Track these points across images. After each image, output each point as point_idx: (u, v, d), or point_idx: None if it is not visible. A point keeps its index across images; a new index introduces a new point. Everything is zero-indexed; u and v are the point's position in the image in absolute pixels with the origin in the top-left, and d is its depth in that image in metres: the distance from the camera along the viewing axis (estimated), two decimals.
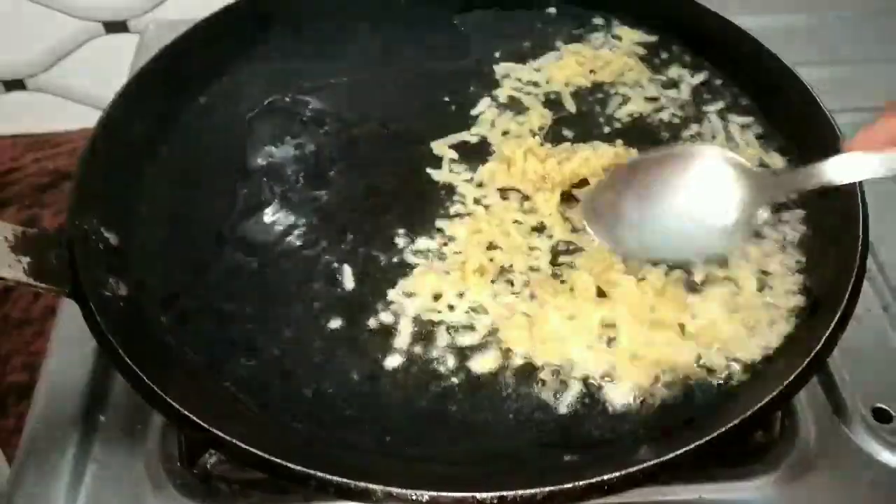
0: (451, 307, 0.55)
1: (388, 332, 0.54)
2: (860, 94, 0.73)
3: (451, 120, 0.67)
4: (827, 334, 0.49)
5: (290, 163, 0.65)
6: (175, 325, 0.55)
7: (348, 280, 0.57)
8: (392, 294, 0.56)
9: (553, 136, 0.66)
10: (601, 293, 0.55)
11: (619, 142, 0.64)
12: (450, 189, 0.62)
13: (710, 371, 0.52)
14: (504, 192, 0.62)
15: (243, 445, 0.46)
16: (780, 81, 0.65)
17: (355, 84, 0.71)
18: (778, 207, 0.60)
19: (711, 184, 0.54)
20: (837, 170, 0.49)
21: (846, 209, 0.56)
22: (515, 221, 0.59)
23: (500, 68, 0.71)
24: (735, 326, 0.53)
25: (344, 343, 0.54)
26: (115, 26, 1.00)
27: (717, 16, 0.71)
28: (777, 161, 0.63)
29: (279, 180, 0.63)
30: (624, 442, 0.49)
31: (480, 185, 0.62)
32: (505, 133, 0.65)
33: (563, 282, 0.56)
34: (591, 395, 0.51)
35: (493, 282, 0.56)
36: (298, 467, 0.45)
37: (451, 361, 0.53)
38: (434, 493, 0.44)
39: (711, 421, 0.48)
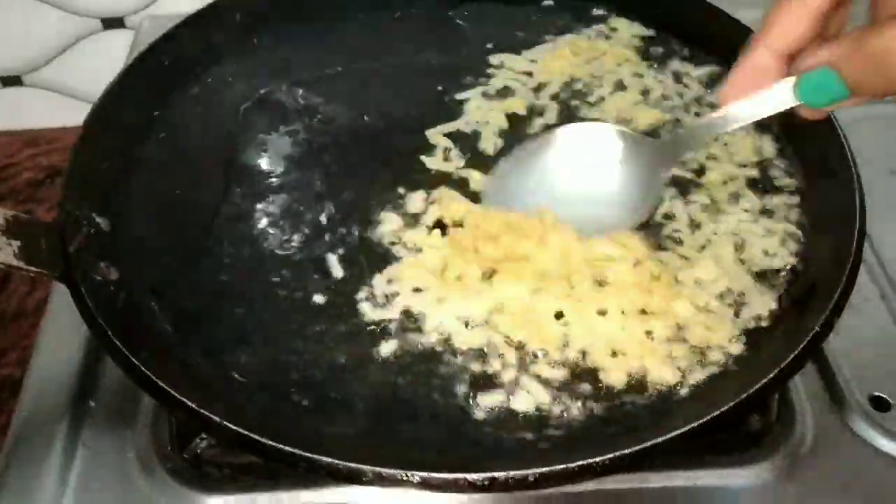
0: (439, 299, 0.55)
1: (376, 319, 0.54)
2: None
3: (446, 110, 0.67)
4: (824, 318, 0.49)
5: (282, 153, 0.64)
6: (165, 309, 0.54)
7: (336, 269, 0.57)
8: (379, 282, 0.56)
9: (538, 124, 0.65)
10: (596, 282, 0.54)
11: None
12: (444, 177, 0.62)
13: (704, 355, 0.52)
14: None
15: (234, 427, 0.45)
16: None
17: (349, 75, 0.70)
18: (773, 187, 0.60)
19: (607, 160, 0.55)
20: (717, 122, 0.50)
21: (842, 195, 0.56)
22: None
23: (495, 59, 0.70)
24: (730, 311, 0.53)
25: (332, 329, 0.54)
26: (113, 22, 0.99)
27: (716, 9, 0.71)
28: (768, 147, 0.63)
29: (271, 170, 0.63)
30: (616, 425, 0.49)
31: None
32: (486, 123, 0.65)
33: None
34: (585, 378, 0.51)
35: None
36: (289, 448, 0.44)
37: (440, 347, 0.53)
38: (425, 475, 0.43)
39: (704, 405, 0.47)
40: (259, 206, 0.61)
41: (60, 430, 0.55)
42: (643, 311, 0.53)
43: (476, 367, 0.52)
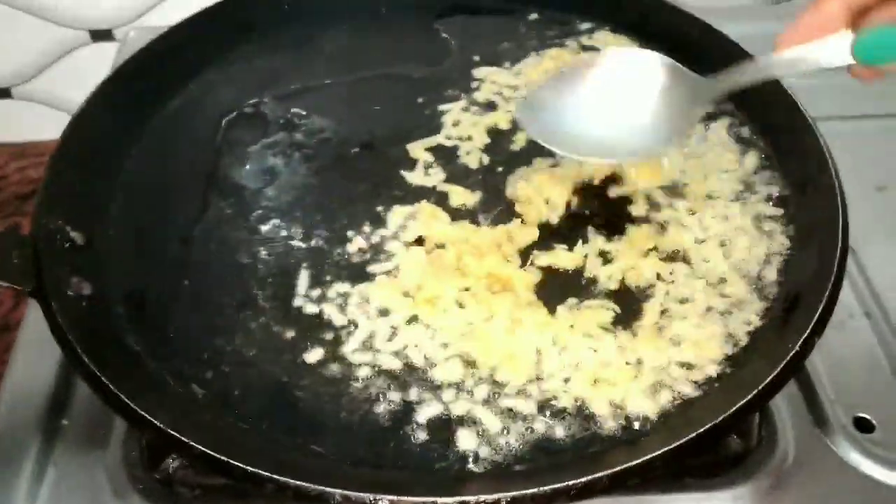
0: (410, 320, 0.54)
1: (352, 345, 0.53)
2: (848, 102, 0.73)
3: (428, 123, 0.66)
4: (805, 336, 0.48)
5: (262, 166, 0.64)
6: (137, 326, 0.54)
7: (312, 286, 0.56)
8: (354, 300, 0.55)
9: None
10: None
11: None
12: (425, 193, 0.61)
13: (685, 372, 0.51)
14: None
15: (203, 448, 0.44)
16: (762, 87, 0.64)
17: (332, 88, 0.70)
18: (756, 203, 0.60)
19: (646, 86, 0.54)
20: (768, 67, 0.49)
21: (826, 209, 0.55)
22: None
23: (479, 72, 0.70)
24: (710, 329, 0.52)
25: (306, 351, 0.53)
26: (101, 35, 0.99)
27: (702, 23, 0.70)
28: (753, 160, 0.63)
29: (251, 184, 0.63)
30: (592, 448, 0.48)
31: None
32: (469, 138, 0.65)
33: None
34: (562, 403, 0.50)
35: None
36: (257, 470, 0.43)
37: (411, 373, 0.52)
38: (393, 497, 0.42)
39: (683, 426, 0.46)
40: (238, 220, 0.60)
41: (31, 448, 0.54)
42: (628, 335, 0.52)
43: (449, 393, 0.50)
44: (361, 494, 0.42)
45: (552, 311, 0.54)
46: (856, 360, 0.58)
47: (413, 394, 0.51)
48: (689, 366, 0.51)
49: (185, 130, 0.66)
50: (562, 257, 0.57)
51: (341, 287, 0.56)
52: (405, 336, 0.53)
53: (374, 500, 0.42)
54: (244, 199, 0.62)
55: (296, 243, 0.59)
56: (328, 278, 0.56)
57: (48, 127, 1.05)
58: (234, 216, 0.61)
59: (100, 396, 0.47)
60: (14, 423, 0.55)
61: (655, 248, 0.57)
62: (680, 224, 0.59)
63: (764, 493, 0.51)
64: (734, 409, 0.45)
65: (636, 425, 0.49)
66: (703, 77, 0.55)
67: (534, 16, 0.76)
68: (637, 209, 0.60)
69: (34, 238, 0.53)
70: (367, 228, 0.59)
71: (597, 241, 0.58)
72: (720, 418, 0.45)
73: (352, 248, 0.58)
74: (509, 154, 0.64)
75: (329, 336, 0.53)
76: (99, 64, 0.98)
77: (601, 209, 0.60)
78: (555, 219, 0.59)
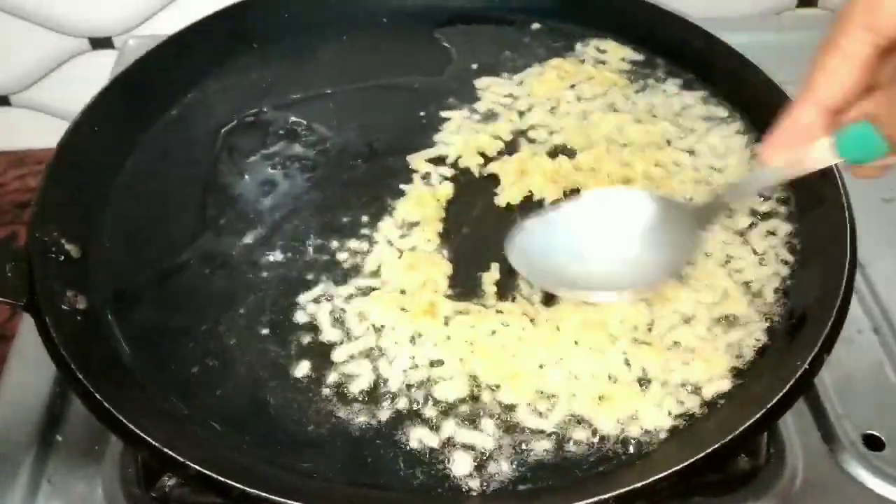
0: (410, 333, 0.53)
1: (346, 356, 0.52)
2: None
3: (429, 134, 0.65)
4: (814, 353, 0.47)
5: (261, 176, 0.63)
6: (133, 342, 0.53)
7: (300, 294, 0.55)
8: (351, 314, 0.54)
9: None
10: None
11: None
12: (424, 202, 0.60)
13: (692, 389, 0.50)
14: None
15: (199, 468, 0.43)
16: (767, 98, 0.64)
17: (331, 98, 0.69)
18: (763, 219, 0.59)
19: (642, 225, 0.53)
20: (756, 181, 0.50)
21: (834, 225, 0.54)
22: None
23: (480, 82, 0.69)
24: (716, 346, 0.51)
25: (299, 364, 0.52)
26: (101, 43, 0.99)
27: (707, 34, 0.70)
28: None
29: (249, 194, 0.62)
30: (598, 467, 0.47)
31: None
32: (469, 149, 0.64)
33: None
34: (567, 421, 0.49)
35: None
36: (255, 491, 0.43)
37: (417, 390, 0.50)
38: None
39: (690, 446, 0.45)
40: (235, 231, 0.59)
41: (24, 465, 0.53)
42: (633, 351, 0.51)
43: (452, 414, 0.49)
44: None
45: (557, 327, 0.52)
46: (865, 376, 0.57)
47: (413, 412, 0.49)
48: (695, 383, 0.50)
49: (183, 141, 0.65)
50: None
51: (338, 299, 0.55)
52: (405, 350, 0.52)
53: None
54: (242, 210, 0.61)
55: (294, 254, 0.58)
56: (326, 289, 0.55)
57: (47, 135, 1.04)
58: (231, 227, 0.60)
59: (95, 415, 0.46)
60: (7, 437, 0.54)
61: None
62: None
63: None
64: (743, 427, 0.44)
65: (642, 443, 0.48)
66: (693, 204, 0.55)
67: (536, 26, 0.75)
68: None
69: (28, 251, 0.53)
70: (365, 239, 0.58)
71: None
72: (729, 437, 0.44)
73: (350, 258, 0.57)
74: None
75: (325, 350, 0.52)
76: (98, 72, 0.97)
77: None
78: None
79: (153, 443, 0.44)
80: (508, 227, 0.57)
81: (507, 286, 0.55)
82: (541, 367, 0.51)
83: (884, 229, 0.65)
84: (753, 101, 0.65)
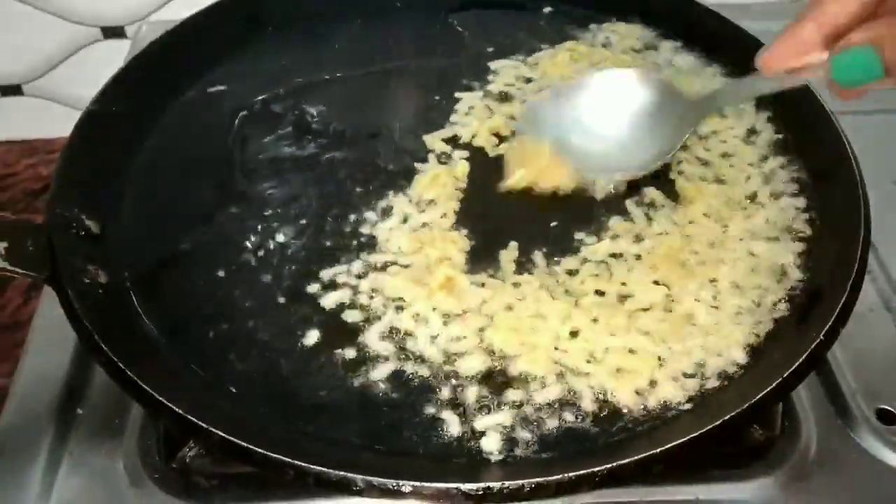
0: (428, 309, 0.53)
1: (359, 328, 0.53)
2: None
3: (444, 115, 0.66)
4: (829, 325, 0.47)
5: (277, 158, 0.64)
6: (153, 314, 0.53)
7: (318, 272, 0.56)
8: (367, 291, 0.54)
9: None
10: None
11: None
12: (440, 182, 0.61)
13: (709, 361, 0.51)
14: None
15: (222, 434, 0.44)
16: None
17: (347, 81, 0.70)
18: (777, 196, 0.59)
19: (645, 105, 0.57)
20: (750, 86, 0.53)
21: (847, 203, 0.55)
22: None
23: (494, 64, 0.70)
24: (733, 319, 0.52)
25: (323, 338, 0.52)
26: (113, 31, 0.99)
27: (720, 17, 0.70)
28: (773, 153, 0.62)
29: (266, 176, 0.62)
30: (615, 436, 0.48)
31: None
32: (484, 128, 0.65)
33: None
34: (582, 392, 0.49)
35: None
36: (277, 456, 0.43)
37: (437, 363, 0.51)
38: (417, 483, 0.42)
39: (705, 415, 0.46)
40: (251, 210, 0.60)
41: (46, 439, 0.53)
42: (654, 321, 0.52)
43: (473, 386, 0.50)
44: (384, 480, 0.42)
45: (576, 302, 0.53)
46: (877, 352, 0.57)
47: (433, 383, 0.50)
48: (713, 355, 0.51)
49: (198, 122, 0.66)
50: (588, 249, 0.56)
51: (355, 274, 0.55)
52: (422, 324, 0.52)
53: (397, 486, 0.42)
54: (257, 190, 0.61)
55: (310, 233, 0.58)
56: (343, 264, 0.56)
57: (59, 124, 1.05)
58: (247, 206, 0.60)
59: (117, 383, 0.46)
60: (28, 412, 0.55)
61: None
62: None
63: (787, 483, 0.51)
64: (759, 396, 0.45)
65: (660, 415, 0.48)
66: (691, 95, 0.57)
67: (548, 9, 0.75)
68: None
69: (48, 226, 0.53)
70: (382, 215, 0.59)
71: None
72: (744, 406, 0.44)
73: (367, 234, 0.58)
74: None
75: (345, 325, 0.53)
76: (110, 61, 0.98)
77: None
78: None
79: (177, 410, 0.44)
80: (523, 206, 0.58)
81: (525, 265, 0.56)
82: (559, 339, 0.51)
83: (894, 210, 0.65)
84: None
